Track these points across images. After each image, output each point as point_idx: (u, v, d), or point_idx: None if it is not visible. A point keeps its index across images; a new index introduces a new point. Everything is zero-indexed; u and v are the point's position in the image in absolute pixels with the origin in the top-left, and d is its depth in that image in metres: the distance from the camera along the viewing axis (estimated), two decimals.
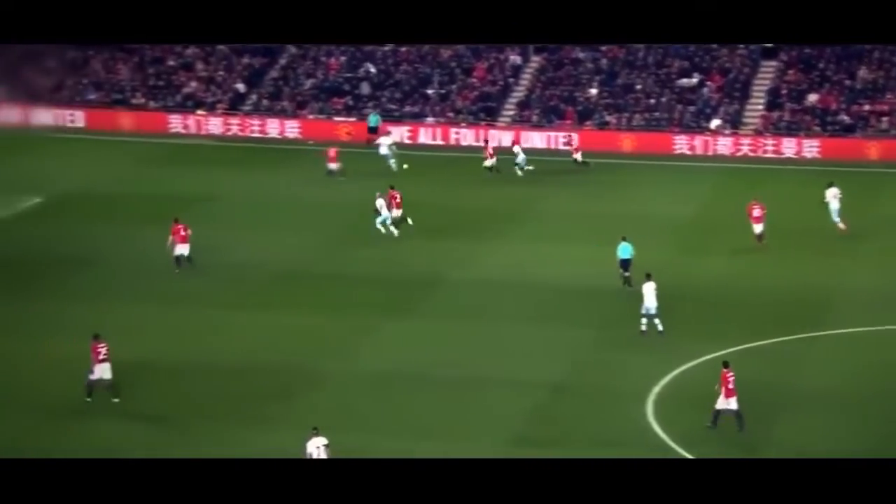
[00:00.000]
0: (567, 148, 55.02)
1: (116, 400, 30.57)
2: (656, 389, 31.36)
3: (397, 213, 44.09)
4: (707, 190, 51.14)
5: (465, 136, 58.50)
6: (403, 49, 63.80)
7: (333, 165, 51.84)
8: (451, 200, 49.15)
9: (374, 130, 57.61)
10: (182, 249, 40.12)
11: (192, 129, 60.66)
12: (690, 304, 37.60)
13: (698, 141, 57.17)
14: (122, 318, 36.01)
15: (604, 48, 62.48)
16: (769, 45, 60.74)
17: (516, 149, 52.63)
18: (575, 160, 53.54)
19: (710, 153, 56.76)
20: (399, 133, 58.58)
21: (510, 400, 31.06)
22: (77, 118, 61.51)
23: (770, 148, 56.63)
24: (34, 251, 42.49)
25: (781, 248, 42.62)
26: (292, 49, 64.87)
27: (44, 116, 61.55)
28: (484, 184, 51.03)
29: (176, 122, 60.93)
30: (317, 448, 26.19)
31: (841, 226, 43.68)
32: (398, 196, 44.38)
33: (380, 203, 44.04)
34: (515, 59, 62.98)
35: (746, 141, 57.10)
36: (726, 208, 46.46)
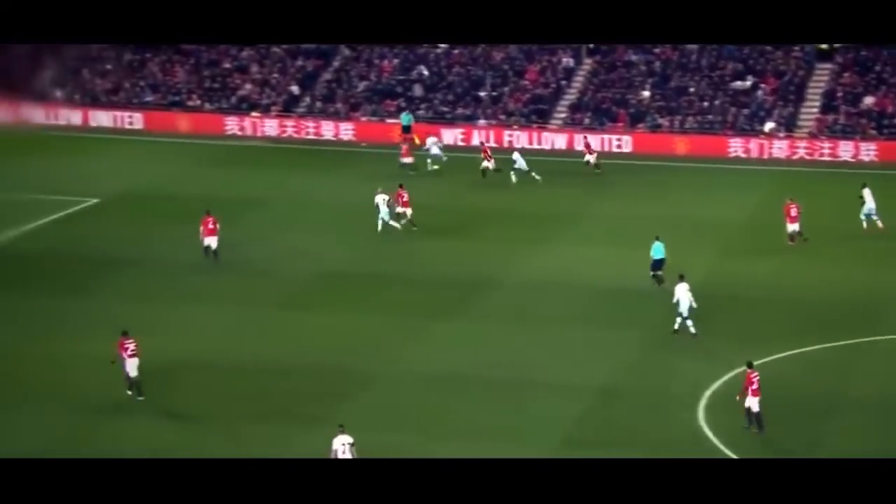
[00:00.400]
0: (583, 150, 53.96)
1: (141, 399, 30.99)
2: (707, 394, 31.25)
3: (403, 210, 44.38)
4: (760, 194, 50.73)
5: (519, 138, 58.59)
6: (456, 51, 64.01)
7: (408, 160, 52.50)
8: (501, 203, 49.24)
9: (407, 130, 57.99)
10: (210, 241, 40.97)
11: (248, 131, 61.26)
12: (741, 308, 37.44)
13: (753, 144, 56.79)
14: (171, 317, 36.52)
15: (657, 50, 62.31)
16: (823, 46, 60.27)
17: (515, 155, 51.59)
18: (587, 163, 52.89)
19: (765, 157, 56.39)
20: (453, 135, 58.84)
21: (559, 402, 31.10)
22: (136, 120, 62.36)
23: (826, 151, 56.15)
24: (87, 250, 43.06)
25: (834, 253, 42.34)
26: (346, 51, 65.31)
27: (103, 118, 62.50)
28: (533, 186, 51.08)
29: (232, 124, 61.57)
30: (342, 446, 26.29)
31: (864, 225, 43.78)
32: (405, 195, 44.69)
33: (379, 199, 44.34)
34: (568, 61, 62.93)
35: (803, 144, 56.63)
36: (779, 212, 46.13)
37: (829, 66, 60.82)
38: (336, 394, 31.59)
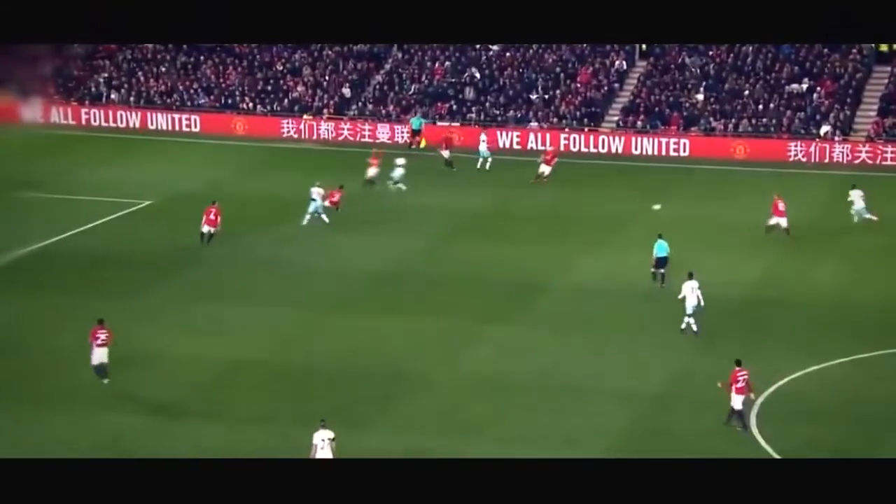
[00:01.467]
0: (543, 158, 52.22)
1: (106, 381, 31.40)
2: (760, 401, 30.79)
3: (330, 206, 45.19)
4: (819, 198, 50.07)
5: (575, 141, 58.31)
6: (507, 54, 63.82)
7: (371, 172, 50.85)
8: (553, 206, 49.00)
9: (418, 133, 57.96)
10: (206, 229, 42.25)
11: (304, 134, 61.50)
12: (794, 314, 37.02)
13: (814, 148, 56.00)
14: (222, 319, 36.55)
15: (711, 53, 61.73)
16: (883, 49, 59.41)
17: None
18: (540, 174, 51.12)
19: (825, 161, 55.64)
20: (510, 138, 58.71)
21: (609, 408, 30.82)
22: (194, 122, 62.78)
23: (889, 155, 55.32)
24: (138, 252, 43.19)
25: (892, 259, 41.71)
26: (398, 54, 65.36)
27: (161, 121, 62.99)
28: (587, 191, 50.77)
29: (288, 127, 61.79)
30: (322, 441, 26.05)
31: (867, 216, 44.37)
32: (336, 196, 45.66)
33: (314, 192, 44.86)
34: (620, 63, 62.51)
35: (865, 149, 55.79)
36: (836, 216, 45.59)
37: (887, 69, 59.89)
38: (386, 396, 31.53)
